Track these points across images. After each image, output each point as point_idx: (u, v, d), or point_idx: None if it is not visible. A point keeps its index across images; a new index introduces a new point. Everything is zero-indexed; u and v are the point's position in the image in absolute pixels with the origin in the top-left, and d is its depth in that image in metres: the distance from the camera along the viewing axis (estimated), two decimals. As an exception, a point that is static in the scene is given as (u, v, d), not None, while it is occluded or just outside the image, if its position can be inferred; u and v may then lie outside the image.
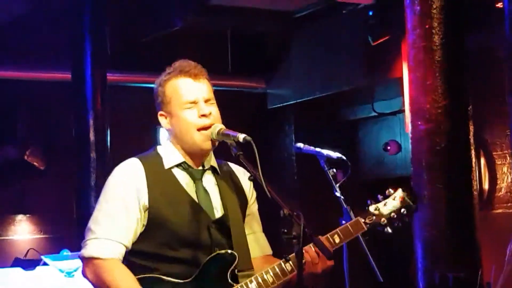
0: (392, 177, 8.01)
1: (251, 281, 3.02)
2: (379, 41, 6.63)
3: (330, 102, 8.01)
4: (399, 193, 3.35)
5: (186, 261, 3.01)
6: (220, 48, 8.15)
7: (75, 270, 4.66)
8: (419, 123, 4.44)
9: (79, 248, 5.51)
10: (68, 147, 6.74)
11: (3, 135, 7.31)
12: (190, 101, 3.10)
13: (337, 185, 4.03)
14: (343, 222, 3.97)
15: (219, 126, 3.14)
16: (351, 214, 3.94)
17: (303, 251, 2.93)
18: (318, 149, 4.42)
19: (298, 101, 8.03)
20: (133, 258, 3.03)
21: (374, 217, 3.30)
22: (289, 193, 8.12)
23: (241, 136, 3.04)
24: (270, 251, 3.32)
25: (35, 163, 7.47)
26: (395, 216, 3.29)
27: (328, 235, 3.17)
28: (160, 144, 3.23)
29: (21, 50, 7.14)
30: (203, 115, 3.10)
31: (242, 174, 3.29)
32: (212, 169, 3.20)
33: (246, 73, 8.27)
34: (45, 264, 5.03)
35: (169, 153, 3.14)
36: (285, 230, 2.93)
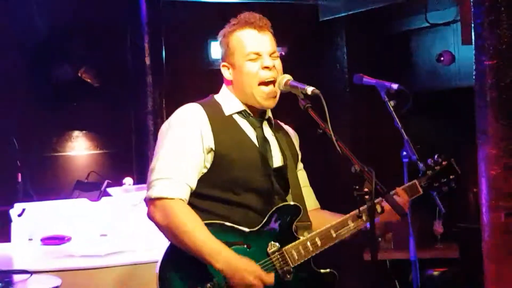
0: (446, 88, 7.93)
1: (316, 235, 3.10)
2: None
3: (382, 13, 7.87)
4: (448, 160, 3.48)
5: (249, 207, 3.07)
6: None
7: (140, 202, 4.74)
8: (483, 58, 4.37)
9: (139, 172, 5.63)
10: (124, 67, 6.78)
11: (59, 54, 7.34)
12: (254, 52, 3.13)
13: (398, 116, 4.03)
14: (404, 153, 4.02)
15: (286, 76, 3.17)
16: (411, 145, 3.97)
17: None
18: (378, 81, 4.36)
19: (350, 13, 7.89)
20: (195, 200, 3.05)
21: (428, 181, 3.42)
22: (341, 108, 8.11)
23: (309, 89, 3.06)
24: (318, 205, 3.42)
25: (88, 80, 7.52)
26: (444, 181, 3.44)
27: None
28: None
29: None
30: (266, 67, 3.13)
31: (291, 132, 3.40)
32: (269, 120, 3.26)
33: (297, -14, 8.13)
34: (107, 193, 5.14)
35: (229, 100, 3.19)
36: (357, 187, 3.00)
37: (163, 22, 6.52)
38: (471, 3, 4.50)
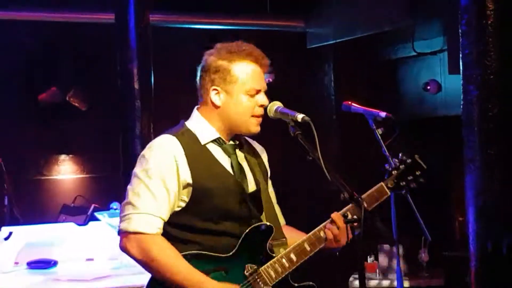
0: (432, 116, 7.98)
1: (290, 251, 3.13)
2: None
3: (370, 42, 7.94)
4: (412, 156, 3.49)
5: (228, 233, 3.08)
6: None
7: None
8: (471, 88, 4.42)
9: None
10: (111, 89, 6.78)
11: (47, 78, 7.36)
12: (255, 89, 3.14)
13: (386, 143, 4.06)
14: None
15: (277, 103, 3.20)
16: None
17: (326, 228, 3.15)
18: (366, 109, 4.39)
19: (337, 40, 7.96)
20: (172, 231, 3.06)
21: (394, 181, 3.41)
22: (328, 135, 8.15)
23: (299, 116, 3.09)
24: (284, 221, 3.40)
25: (76, 104, 7.54)
26: (411, 178, 3.42)
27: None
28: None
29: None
30: (262, 105, 3.16)
31: (259, 148, 3.38)
32: (239, 144, 3.26)
33: (285, 12, 8.19)
34: (95, 218, 5.12)
35: (203, 129, 3.16)
36: (346, 214, 3.06)
37: (152, 47, 6.53)
38: (460, 34, 4.55)
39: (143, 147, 5.91)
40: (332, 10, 7.95)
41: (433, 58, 7.92)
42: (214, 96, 3.13)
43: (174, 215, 3.05)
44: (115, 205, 5.18)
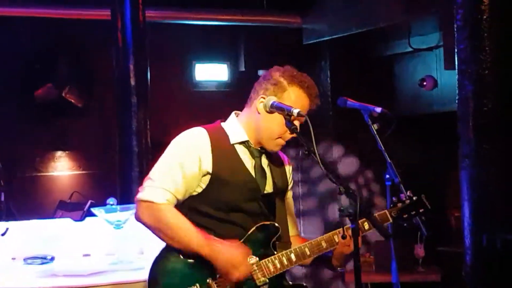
0: (428, 113, 8.01)
1: (291, 252, 3.37)
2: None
3: (366, 38, 7.95)
4: (418, 196, 3.60)
5: (238, 225, 3.34)
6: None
7: (123, 222, 4.74)
8: (466, 83, 4.43)
9: (122, 192, 5.64)
10: (108, 86, 6.79)
11: (44, 75, 7.36)
12: (294, 117, 3.27)
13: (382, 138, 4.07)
14: (387, 176, 4.05)
15: (272, 98, 3.34)
16: (394, 168, 4.00)
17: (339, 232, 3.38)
18: (362, 104, 4.39)
19: (334, 37, 7.96)
20: (189, 214, 3.31)
21: (398, 212, 3.55)
22: (324, 130, 8.17)
23: (295, 111, 3.25)
24: (298, 232, 3.70)
25: (72, 101, 7.54)
26: (413, 213, 3.56)
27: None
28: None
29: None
30: (292, 133, 3.33)
31: (286, 161, 3.61)
32: (267, 152, 3.46)
33: (281, 8, 8.20)
34: (92, 214, 5.12)
35: (235, 130, 3.41)
36: (341, 208, 3.11)
37: (148, 43, 6.55)
38: (455, 29, 4.56)
39: (139, 143, 5.98)
40: (328, 6, 7.96)
41: (429, 54, 7.95)
42: (260, 104, 3.36)
43: (191, 199, 3.33)
44: (111, 200, 5.17)
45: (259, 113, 3.37)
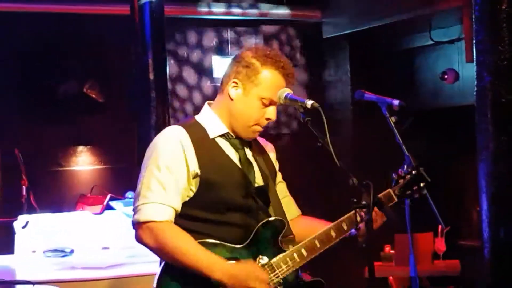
0: (449, 106, 7.97)
1: (301, 246, 3.14)
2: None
3: (386, 31, 7.92)
4: (418, 169, 3.42)
5: (237, 225, 3.11)
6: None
7: (142, 215, 4.76)
8: (484, 74, 4.40)
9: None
10: (128, 81, 6.82)
11: (64, 70, 7.41)
12: (270, 100, 3.14)
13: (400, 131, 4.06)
14: (405, 168, 4.02)
15: (286, 90, 3.17)
16: (413, 161, 3.99)
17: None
18: (379, 96, 4.38)
19: (354, 30, 7.95)
20: (183, 222, 3.07)
21: (401, 189, 3.38)
22: (345, 124, 8.15)
23: (309, 102, 3.08)
24: (299, 212, 3.44)
25: (93, 96, 7.59)
26: (416, 188, 3.37)
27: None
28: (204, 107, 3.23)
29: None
30: (268, 119, 3.17)
31: (268, 145, 3.40)
32: (248, 141, 3.26)
33: (301, 3, 8.19)
34: (111, 207, 5.16)
35: (212, 123, 3.18)
36: (355, 200, 3.03)
37: (168, 38, 6.56)
38: (473, 20, 4.53)
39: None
40: (347, 0, 7.94)
41: (451, 47, 7.90)
42: (232, 88, 3.15)
43: (183, 206, 3.07)
44: (130, 194, 5.22)
45: (231, 99, 3.15)
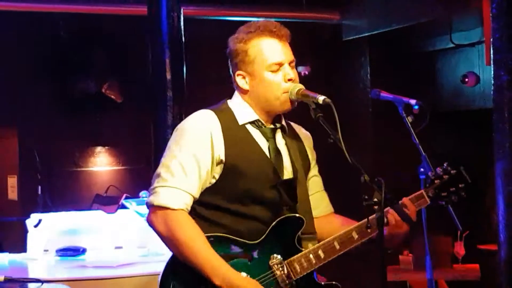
0: (470, 109, 7.89)
1: (319, 248, 3.03)
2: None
3: (406, 33, 7.85)
4: (457, 169, 3.29)
5: (257, 218, 2.99)
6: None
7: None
8: (502, 73, 4.33)
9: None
10: (145, 81, 6.81)
11: (81, 69, 7.42)
12: (276, 63, 3.04)
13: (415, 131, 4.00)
14: (421, 169, 3.96)
15: (298, 85, 3.10)
16: (428, 162, 3.93)
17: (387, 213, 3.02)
18: (396, 96, 4.33)
19: (373, 32, 7.88)
20: (201, 210, 3.00)
21: (436, 191, 3.25)
22: (364, 127, 8.10)
23: (320, 98, 3.00)
24: (332, 210, 3.32)
25: (112, 96, 7.59)
26: (453, 190, 3.24)
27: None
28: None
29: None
30: (290, 79, 3.07)
31: (303, 134, 3.29)
32: (282, 128, 3.16)
33: (320, 5, 8.14)
34: (125, 206, 5.13)
35: (242, 109, 3.09)
36: (366, 197, 2.92)
37: (185, 38, 6.53)
38: (490, 18, 4.47)
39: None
40: (367, 2, 7.88)
41: (471, 50, 7.82)
42: (241, 81, 3.08)
43: (204, 192, 2.98)
44: (144, 193, 5.18)
45: (247, 90, 3.07)
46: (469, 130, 7.83)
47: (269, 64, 3.04)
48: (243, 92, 3.10)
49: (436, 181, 3.26)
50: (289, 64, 3.09)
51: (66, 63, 7.39)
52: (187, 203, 2.93)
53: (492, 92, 4.52)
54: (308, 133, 3.33)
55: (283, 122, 3.19)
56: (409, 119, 4.02)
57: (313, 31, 8.14)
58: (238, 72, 3.09)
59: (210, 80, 7.63)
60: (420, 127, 4.03)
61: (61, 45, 7.36)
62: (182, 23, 6.39)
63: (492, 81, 4.48)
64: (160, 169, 2.97)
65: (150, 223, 2.98)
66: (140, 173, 7.55)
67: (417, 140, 3.95)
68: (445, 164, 3.31)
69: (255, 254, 2.98)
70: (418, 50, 8.29)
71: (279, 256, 2.98)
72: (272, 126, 3.13)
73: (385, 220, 3.03)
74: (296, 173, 3.12)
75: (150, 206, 2.96)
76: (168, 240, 2.92)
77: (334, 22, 8.20)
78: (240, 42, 3.07)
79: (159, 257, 4.57)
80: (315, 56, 8.06)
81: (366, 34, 7.98)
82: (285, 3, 7.87)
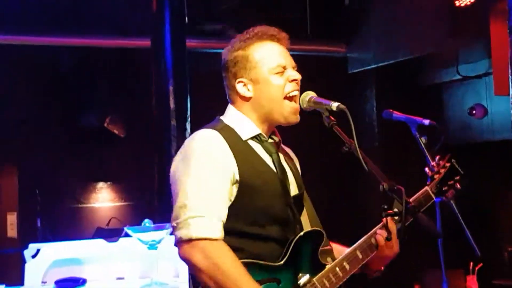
0: (478, 141, 7.78)
1: (343, 260, 2.91)
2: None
3: (412, 65, 7.79)
4: (450, 161, 3.35)
5: (274, 239, 2.84)
6: (299, 12, 7.98)
7: (158, 242, 4.55)
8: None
9: (161, 218, 5.49)
10: (148, 114, 6.71)
11: (83, 103, 7.34)
12: (281, 65, 2.95)
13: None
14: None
15: (310, 93, 3.02)
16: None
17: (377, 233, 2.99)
18: (408, 116, 4.27)
19: (379, 65, 7.81)
20: None
21: (437, 186, 3.27)
22: (371, 158, 7.95)
23: (334, 105, 2.93)
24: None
25: (115, 131, 7.49)
26: (451, 183, 3.28)
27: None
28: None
29: (100, 17, 7.11)
30: (294, 80, 2.97)
31: (292, 154, 3.19)
32: (278, 144, 3.05)
33: (325, 37, 8.07)
34: (127, 235, 4.96)
35: (243, 124, 2.94)
36: (385, 207, 2.82)
37: (189, 70, 6.46)
38: (510, 50, 4.32)
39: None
40: (373, 34, 7.83)
41: (479, 81, 7.74)
42: (242, 89, 2.95)
43: None
44: (147, 221, 5.02)
45: (250, 97, 2.94)
46: (479, 163, 7.69)
47: (274, 66, 2.94)
48: (245, 100, 2.96)
49: (435, 177, 3.28)
50: (293, 68, 3.02)
51: (67, 97, 7.30)
52: (221, 229, 2.73)
53: (511, 125, 4.37)
54: (294, 154, 3.22)
55: (279, 139, 3.08)
56: (423, 140, 3.94)
57: (319, 63, 8.06)
58: (239, 80, 2.95)
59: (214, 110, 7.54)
60: (436, 147, 3.95)
61: (62, 79, 7.29)
62: (186, 53, 6.34)
63: (511, 107, 4.34)
64: (182, 199, 2.74)
65: (186, 258, 2.73)
66: (142, 208, 7.41)
67: (431, 160, 3.82)
68: (436, 158, 3.34)
69: (282, 276, 2.80)
70: (425, 83, 8.21)
71: (307, 275, 2.83)
72: (271, 140, 3.02)
73: (374, 242, 2.99)
74: (301, 188, 3.03)
75: (186, 240, 2.71)
76: (210, 272, 2.68)
77: (340, 55, 8.13)
78: (238, 50, 2.97)
79: (163, 287, 4.41)
80: (320, 89, 7.92)
81: (372, 67, 7.90)
82: (291, 35, 7.78)
